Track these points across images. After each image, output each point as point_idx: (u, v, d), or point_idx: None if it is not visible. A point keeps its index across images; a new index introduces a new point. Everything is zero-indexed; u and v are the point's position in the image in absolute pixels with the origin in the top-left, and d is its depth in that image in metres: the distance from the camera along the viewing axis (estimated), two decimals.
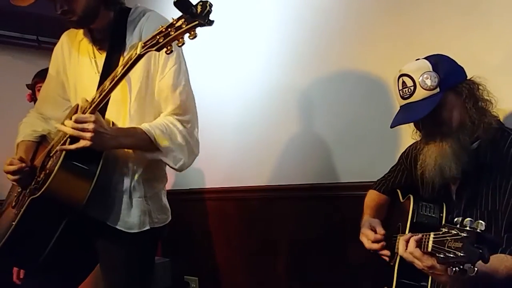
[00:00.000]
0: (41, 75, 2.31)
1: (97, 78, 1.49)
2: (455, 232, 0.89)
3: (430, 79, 1.30)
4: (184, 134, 1.46)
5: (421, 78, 1.31)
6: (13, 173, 1.47)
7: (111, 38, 1.49)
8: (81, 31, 1.56)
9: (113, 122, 1.45)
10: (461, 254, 0.86)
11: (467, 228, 0.88)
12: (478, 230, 0.87)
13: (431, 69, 1.31)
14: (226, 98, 2.55)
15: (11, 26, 2.97)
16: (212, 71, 2.61)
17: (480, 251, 0.85)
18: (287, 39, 2.25)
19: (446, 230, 0.93)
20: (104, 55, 1.50)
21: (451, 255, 0.88)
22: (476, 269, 0.86)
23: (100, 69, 1.49)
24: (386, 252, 1.48)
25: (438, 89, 1.30)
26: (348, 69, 2.03)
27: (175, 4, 1.10)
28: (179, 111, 1.48)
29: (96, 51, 1.53)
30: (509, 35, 1.55)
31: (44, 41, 3.09)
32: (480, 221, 0.88)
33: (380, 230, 1.50)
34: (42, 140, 1.65)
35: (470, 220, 0.89)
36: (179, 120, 1.47)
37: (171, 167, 1.48)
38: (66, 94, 1.65)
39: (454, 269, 0.87)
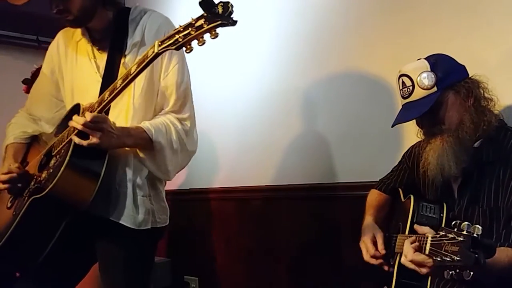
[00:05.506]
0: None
1: (97, 78, 1.49)
2: (452, 236, 0.89)
3: (428, 78, 1.32)
4: (181, 134, 1.48)
5: (419, 77, 1.33)
6: (4, 182, 1.45)
7: (112, 38, 1.50)
8: (78, 30, 1.55)
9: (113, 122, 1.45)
10: (457, 258, 0.86)
11: (464, 233, 0.89)
12: (474, 235, 0.88)
13: (429, 69, 1.33)
14: (226, 99, 2.54)
15: (11, 26, 2.96)
16: (213, 71, 2.60)
17: (476, 255, 0.85)
18: (287, 40, 2.25)
19: (443, 233, 0.93)
20: (104, 55, 1.50)
21: (448, 259, 0.88)
22: (471, 273, 0.87)
23: (101, 69, 1.50)
24: (385, 268, 1.46)
25: (435, 88, 1.31)
26: (348, 70, 2.02)
27: (200, 3, 1.11)
28: (180, 109, 1.50)
29: (96, 51, 1.53)
30: (509, 35, 1.55)
31: (44, 41, 3.06)
32: (477, 226, 0.88)
33: (382, 249, 1.47)
34: (33, 140, 1.63)
35: (468, 224, 0.90)
36: (179, 119, 1.49)
37: (156, 174, 1.49)
38: (59, 94, 1.63)
39: (450, 272, 0.88)
